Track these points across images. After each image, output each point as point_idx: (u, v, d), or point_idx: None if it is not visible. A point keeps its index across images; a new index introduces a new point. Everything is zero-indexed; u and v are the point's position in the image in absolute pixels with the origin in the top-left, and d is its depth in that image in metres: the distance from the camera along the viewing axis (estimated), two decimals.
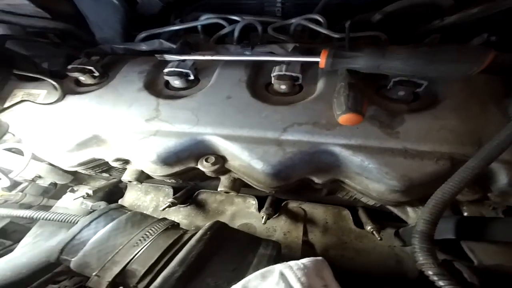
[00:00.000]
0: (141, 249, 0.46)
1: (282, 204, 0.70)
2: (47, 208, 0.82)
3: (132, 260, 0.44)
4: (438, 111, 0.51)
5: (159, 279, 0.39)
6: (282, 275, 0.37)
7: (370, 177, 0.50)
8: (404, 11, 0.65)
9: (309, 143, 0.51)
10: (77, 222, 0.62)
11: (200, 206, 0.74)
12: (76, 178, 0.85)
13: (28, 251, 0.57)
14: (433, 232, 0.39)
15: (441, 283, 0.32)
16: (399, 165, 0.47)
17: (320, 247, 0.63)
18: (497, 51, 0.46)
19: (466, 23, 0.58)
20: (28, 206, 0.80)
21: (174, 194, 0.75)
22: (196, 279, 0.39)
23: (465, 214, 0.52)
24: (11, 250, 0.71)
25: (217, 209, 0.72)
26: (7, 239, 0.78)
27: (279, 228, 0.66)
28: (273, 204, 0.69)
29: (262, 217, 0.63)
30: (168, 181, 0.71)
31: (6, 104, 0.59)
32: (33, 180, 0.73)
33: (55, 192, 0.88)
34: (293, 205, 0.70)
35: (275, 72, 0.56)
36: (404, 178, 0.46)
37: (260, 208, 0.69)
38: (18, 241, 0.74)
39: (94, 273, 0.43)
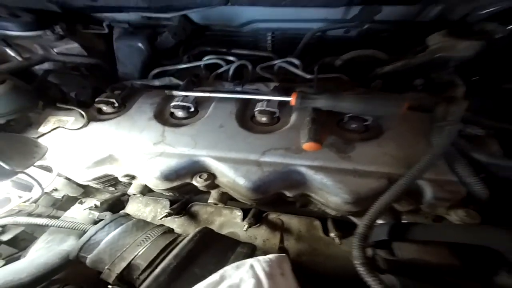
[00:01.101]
0: (144, 247, 0.57)
1: (263, 215, 0.82)
2: (55, 218, 0.92)
3: (136, 256, 0.55)
4: (381, 140, 0.66)
5: (158, 269, 0.50)
6: (251, 266, 0.49)
7: (328, 191, 0.63)
8: (355, 60, 0.83)
9: (282, 164, 0.64)
10: (85, 229, 0.73)
11: (193, 217, 0.85)
12: (85, 192, 0.96)
13: (44, 254, 0.67)
14: (369, 234, 0.51)
15: (361, 269, 0.43)
16: (350, 182, 0.60)
17: (293, 253, 0.73)
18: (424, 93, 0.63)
19: (398, 71, 0.76)
20: (38, 216, 0.90)
21: (170, 206, 0.86)
22: (187, 269, 0.50)
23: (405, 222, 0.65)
24: (17, 259, 0.79)
25: (207, 219, 0.84)
26: (15, 247, 0.87)
27: (260, 236, 0.77)
28: (256, 215, 0.81)
29: (244, 226, 0.74)
30: (167, 194, 0.82)
31: (41, 127, 0.73)
32: (50, 193, 0.85)
33: (61, 204, 0.99)
34: (272, 216, 0.81)
35: (258, 108, 0.72)
36: (353, 193, 0.60)
37: (244, 219, 0.81)
38: (24, 249, 0.84)
39: (106, 267, 0.54)
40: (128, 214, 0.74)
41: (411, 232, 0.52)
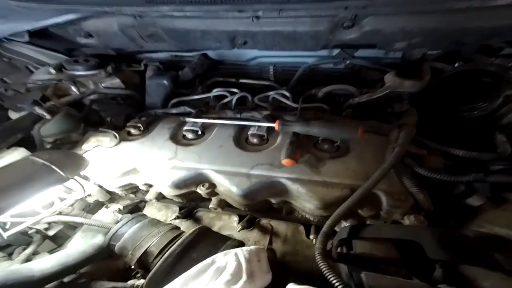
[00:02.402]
0: (156, 238, 0.74)
1: (256, 221, 0.97)
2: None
3: (151, 245, 0.72)
4: (347, 158, 0.81)
5: (166, 254, 0.66)
6: (235, 253, 0.64)
7: (303, 199, 0.78)
8: (332, 92, 1.02)
9: (266, 176, 0.81)
10: (111, 228, 0.91)
11: (197, 220, 1.02)
12: (110, 198, 1.16)
13: (82, 245, 0.85)
14: (330, 232, 0.65)
15: (317, 257, 0.57)
16: (319, 191, 0.76)
17: (279, 253, 0.86)
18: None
19: (366, 102, 0.93)
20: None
21: (179, 211, 1.04)
22: (187, 254, 0.67)
23: None
24: None
25: (209, 223, 1.00)
26: (55, 242, 1.07)
27: (252, 238, 0.92)
28: (249, 220, 0.96)
29: (238, 228, 0.90)
30: (176, 200, 1.00)
31: (84, 146, 0.96)
32: (85, 198, 1.05)
33: (90, 208, 1.19)
34: (263, 221, 0.96)
35: (250, 132, 0.91)
36: (322, 200, 0.74)
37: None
38: (60, 245, 1.03)
39: (129, 253, 0.71)
40: (144, 214, 0.92)
41: (364, 231, 0.66)
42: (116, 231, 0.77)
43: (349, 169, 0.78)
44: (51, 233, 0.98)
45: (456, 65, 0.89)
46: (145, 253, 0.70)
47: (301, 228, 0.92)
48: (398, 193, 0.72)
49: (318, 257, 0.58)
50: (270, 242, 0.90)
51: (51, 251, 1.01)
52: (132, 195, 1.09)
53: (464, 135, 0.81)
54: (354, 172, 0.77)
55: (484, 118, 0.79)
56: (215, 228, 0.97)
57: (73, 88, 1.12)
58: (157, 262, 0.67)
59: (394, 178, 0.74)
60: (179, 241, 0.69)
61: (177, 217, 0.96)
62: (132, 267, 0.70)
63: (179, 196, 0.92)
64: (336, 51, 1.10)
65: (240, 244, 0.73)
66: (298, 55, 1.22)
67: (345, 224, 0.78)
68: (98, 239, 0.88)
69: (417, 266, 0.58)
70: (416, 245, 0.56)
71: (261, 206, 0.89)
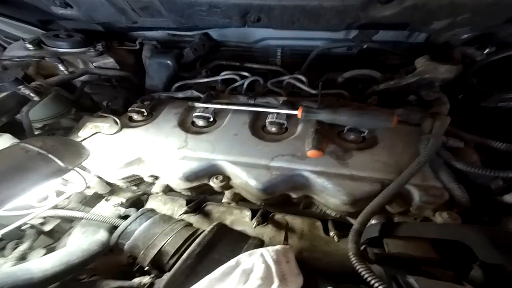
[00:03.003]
0: (171, 237, 0.67)
1: (270, 215, 0.91)
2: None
3: (165, 244, 0.65)
4: (376, 149, 0.75)
5: (185, 254, 0.60)
6: (261, 254, 0.58)
7: (328, 193, 0.72)
8: (354, 78, 0.94)
9: (288, 169, 0.74)
10: (113, 223, 0.83)
11: (206, 215, 0.95)
12: (110, 190, 1.07)
13: (85, 242, 0.77)
14: (363, 230, 0.60)
15: (353, 259, 0.52)
16: (347, 185, 0.70)
17: (296, 250, 0.81)
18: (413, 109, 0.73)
19: (391, 89, 0.86)
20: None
21: (186, 205, 0.96)
22: (208, 255, 0.60)
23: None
24: (53, 248, 0.90)
25: (219, 218, 0.93)
26: (51, 237, 0.98)
27: (266, 234, 0.86)
28: (263, 215, 0.89)
29: (253, 224, 0.84)
30: (185, 193, 0.92)
31: (80, 132, 0.85)
32: (84, 190, 0.96)
33: (87, 201, 1.10)
34: (278, 216, 0.90)
35: (268, 119, 0.83)
36: (350, 195, 0.69)
37: (252, 218, 0.90)
38: (57, 240, 0.94)
39: (141, 252, 0.64)
40: (153, 209, 0.84)
41: (398, 229, 0.61)
42: (125, 228, 0.69)
43: (378, 162, 0.73)
44: (47, 228, 0.89)
45: (486, 50, 0.83)
46: (159, 252, 0.64)
47: (318, 223, 0.87)
48: (432, 188, 0.67)
49: (354, 259, 0.53)
50: (286, 238, 0.85)
51: (47, 247, 0.92)
52: (134, 187, 1.00)
53: (499, 127, 0.76)
54: (384, 165, 0.72)
55: None
56: (226, 223, 0.90)
57: (61, 67, 0.98)
58: (173, 263, 0.61)
59: (428, 172, 0.69)
60: (197, 240, 0.62)
61: (186, 212, 0.89)
62: (146, 268, 0.63)
63: (189, 189, 0.84)
64: (351, 35, 1.01)
65: (262, 242, 0.67)
66: (309, 37, 1.12)
67: (371, 221, 0.73)
68: (101, 235, 0.80)
69: (459, 268, 0.54)
70: (457, 246, 0.51)
71: (278, 200, 0.82)
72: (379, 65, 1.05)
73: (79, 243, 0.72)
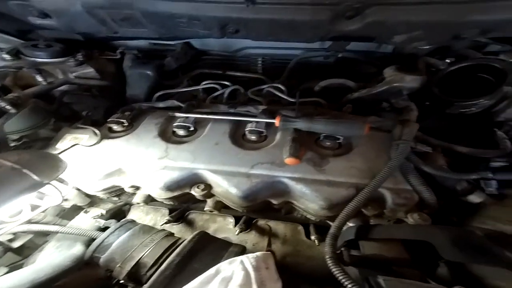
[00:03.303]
0: (150, 248, 0.66)
1: (253, 222, 0.92)
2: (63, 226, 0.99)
3: (144, 256, 0.65)
4: (351, 155, 0.79)
5: (163, 265, 0.60)
6: (241, 261, 0.59)
7: (307, 199, 0.75)
8: (330, 87, 0.99)
9: (267, 176, 0.76)
10: (92, 236, 0.81)
11: (190, 223, 0.95)
12: (90, 202, 1.05)
13: (57, 257, 0.75)
14: (339, 234, 0.62)
15: (329, 262, 0.54)
16: (324, 191, 0.72)
17: (279, 255, 0.83)
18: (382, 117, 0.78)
19: (364, 97, 0.91)
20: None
21: (169, 214, 0.95)
22: (188, 265, 0.60)
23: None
24: (20, 266, 0.85)
25: (203, 226, 0.93)
26: (20, 254, 0.93)
27: (250, 240, 0.87)
28: (246, 221, 0.90)
29: (236, 231, 0.84)
30: (167, 203, 0.92)
31: (59, 144, 0.84)
32: (61, 203, 0.93)
33: (64, 213, 1.06)
34: (261, 222, 0.91)
35: (248, 128, 0.85)
36: (327, 200, 0.71)
37: (236, 225, 0.90)
38: (26, 257, 0.90)
39: (117, 265, 0.63)
40: (133, 220, 0.83)
41: (372, 232, 0.64)
42: (102, 242, 0.68)
43: (353, 167, 0.76)
44: (16, 244, 0.85)
45: (447, 60, 0.90)
46: (137, 264, 0.63)
47: (300, 228, 0.89)
48: (404, 191, 0.70)
49: (330, 261, 0.55)
50: (269, 244, 0.86)
51: (11, 265, 0.87)
52: (115, 198, 0.99)
53: (463, 132, 0.81)
54: (359, 170, 0.75)
55: (481, 115, 0.80)
56: (209, 231, 0.91)
57: (39, 78, 0.97)
58: (152, 275, 0.60)
59: (399, 176, 0.72)
60: (177, 250, 0.62)
61: (168, 221, 0.88)
62: (121, 281, 0.62)
63: (171, 198, 0.84)
64: (327, 44, 1.07)
65: (243, 249, 0.68)
66: (288, 47, 1.17)
67: (348, 224, 0.75)
68: (77, 249, 0.78)
69: (426, 267, 0.57)
70: (426, 245, 0.55)
71: (259, 207, 0.84)
72: (355, 73, 1.11)
73: (50, 259, 0.70)
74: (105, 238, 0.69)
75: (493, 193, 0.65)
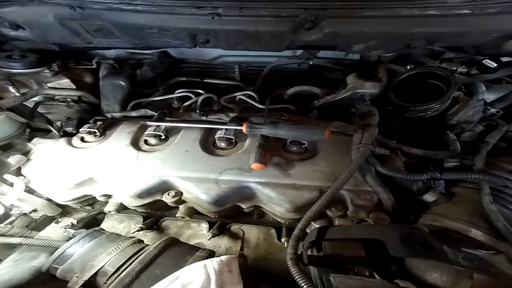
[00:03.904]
0: (113, 256, 0.66)
1: (227, 227, 0.93)
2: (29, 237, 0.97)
3: (106, 264, 0.65)
4: (315, 159, 0.82)
5: (123, 273, 0.60)
6: (204, 265, 0.60)
7: (274, 202, 0.77)
8: (298, 94, 1.03)
9: (236, 181, 0.78)
10: (58, 246, 0.79)
11: (164, 230, 0.95)
12: (62, 212, 1.04)
13: (12, 270, 0.71)
14: (301, 235, 0.65)
15: (288, 263, 0.56)
16: (289, 194, 0.75)
17: (252, 258, 0.84)
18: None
19: (330, 103, 0.96)
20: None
21: (143, 222, 0.96)
22: (148, 271, 0.61)
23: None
24: None
25: (177, 232, 0.93)
26: None
27: (223, 244, 0.88)
28: (220, 226, 0.92)
29: (208, 236, 0.86)
30: (140, 210, 0.92)
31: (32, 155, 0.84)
32: (29, 213, 0.92)
33: (36, 224, 1.04)
34: (235, 227, 0.93)
35: (217, 135, 0.87)
36: (292, 203, 0.74)
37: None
38: None
39: (75, 275, 0.63)
40: (102, 229, 0.83)
41: (332, 232, 0.66)
42: (63, 252, 0.68)
43: (317, 171, 0.79)
44: None
45: (408, 67, 0.96)
46: (97, 274, 0.63)
47: (273, 231, 0.91)
48: (364, 193, 0.74)
49: (289, 262, 0.57)
50: (242, 248, 0.88)
51: None
52: (88, 207, 0.98)
53: (423, 134, 0.86)
54: (323, 173, 0.78)
55: (437, 118, 0.85)
56: (183, 237, 0.92)
57: (12, 89, 0.97)
58: (111, 283, 0.60)
59: (360, 178, 0.76)
60: (141, 257, 0.63)
61: (141, 229, 0.88)
62: None
63: (143, 206, 0.85)
64: (300, 52, 1.12)
65: (211, 254, 0.69)
66: (263, 55, 1.21)
67: (315, 225, 0.78)
68: (38, 262, 0.76)
69: (381, 264, 0.60)
70: (380, 243, 0.58)
71: (231, 212, 0.86)
72: (326, 80, 1.16)
73: (1, 274, 0.68)
74: (67, 248, 0.68)
75: (442, 192, 0.70)
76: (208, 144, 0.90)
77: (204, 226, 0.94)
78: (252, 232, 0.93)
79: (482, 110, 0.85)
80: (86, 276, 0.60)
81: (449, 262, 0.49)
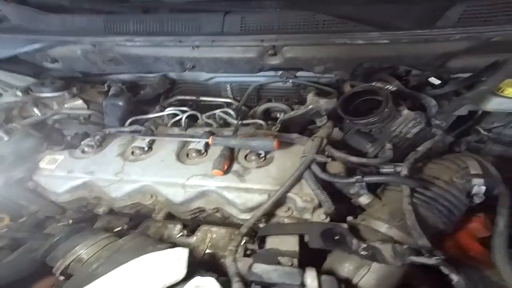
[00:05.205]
0: (89, 246, 0.79)
1: (198, 228, 1.05)
2: None
3: (82, 253, 0.78)
4: (269, 166, 0.93)
5: (92, 259, 0.74)
6: (156, 253, 0.72)
7: (230, 204, 0.89)
8: (269, 109, 1.17)
9: (201, 186, 0.92)
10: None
11: (144, 231, 1.09)
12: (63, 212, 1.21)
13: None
14: (247, 232, 0.76)
15: (226, 253, 0.67)
16: (242, 197, 0.86)
17: (217, 257, 0.92)
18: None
19: (294, 117, 1.09)
20: None
21: (128, 222, 1.10)
22: (112, 257, 0.73)
23: None
24: None
25: (156, 232, 1.05)
26: None
27: (192, 243, 0.98)
28: (191, 227, 1.04)
29: (179, 235, 0.98)
30: (125, 212, 1.08)
31: (40, 163, 1.05)
32: (35, 212, 1.11)
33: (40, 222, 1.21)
34: (205, 228, 1.04)
35: (189, 147, 1.03)
36: (243, 204, 0.85)
37: None
38: None
39: (58, 262, 0.77)
40: (86, 225, 0.98)
41: (273, 229, 0.77)
42: (54, 242, 0.83)
43: (269, 176, 0.90)
44: None
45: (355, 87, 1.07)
46: (74, 260, 0.77)
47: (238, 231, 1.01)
48: (305, 195, 0.84)
49: (227, 253, 0.68)
50: (208, 247, 0.98)
51: None
52: (84, 209, 1.16)
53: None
54: (273, 178, 0.89)
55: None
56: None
57: (35, 110, 1.22)
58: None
59: (304, 183, 0.86)
60: (108, 246, 0.77)
61: (122, 228, 1.03)
62: (57, 275, 0.76)
63: (126, 207, 1.00)
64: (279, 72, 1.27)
65: (171, 248, 0.81)
66: (250, 75, 1.37)
67: None
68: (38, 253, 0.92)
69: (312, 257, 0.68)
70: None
71: (200, 213, 0.98)
72: (301, 97, 1.29)
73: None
74: (56, 239, 0.83)
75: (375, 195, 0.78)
76: (182, 155, 1.05)
77: (179, 227, 1.07)
78: (220, 233, 1.03)
79: (425, 122, 0.93)
80: (67, 262, 0.75)
81: (348, 251, 0.57)
